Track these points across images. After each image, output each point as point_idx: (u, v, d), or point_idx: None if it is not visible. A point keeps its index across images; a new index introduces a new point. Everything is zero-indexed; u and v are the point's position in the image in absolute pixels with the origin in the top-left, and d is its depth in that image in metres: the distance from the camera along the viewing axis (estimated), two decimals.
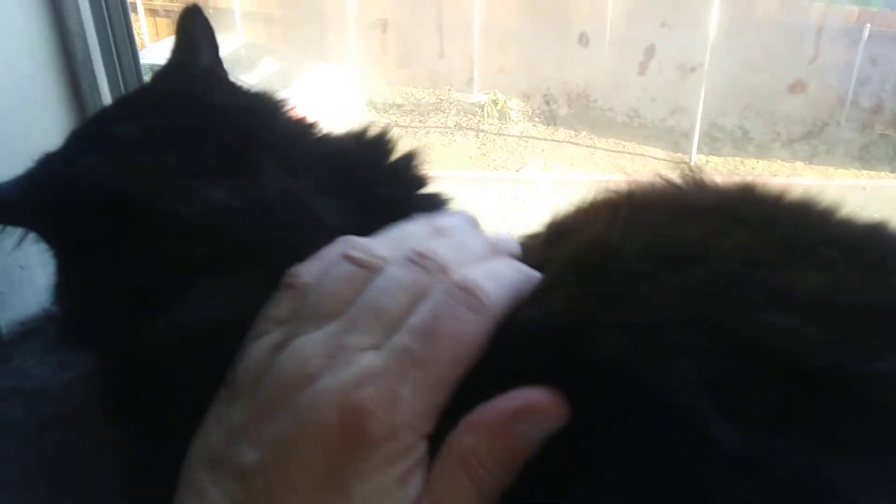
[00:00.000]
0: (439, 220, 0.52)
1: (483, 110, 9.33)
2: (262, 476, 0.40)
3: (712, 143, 8.64)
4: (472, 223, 0.54)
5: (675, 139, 8.72)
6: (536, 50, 9.12)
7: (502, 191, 8.26)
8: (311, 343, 0.43)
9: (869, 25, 8.49)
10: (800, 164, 8.43)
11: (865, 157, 8.31)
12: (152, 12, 10.48)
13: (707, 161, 8.50)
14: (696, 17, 8.69)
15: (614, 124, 9.10)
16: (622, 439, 0.37)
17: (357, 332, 0.42)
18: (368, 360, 0.41)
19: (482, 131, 9.24)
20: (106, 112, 0.63)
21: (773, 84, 8.41)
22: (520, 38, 9.17)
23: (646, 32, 8.64)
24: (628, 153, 8.74)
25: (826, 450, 0.34)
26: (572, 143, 8.98)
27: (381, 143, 0.65)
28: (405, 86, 9.74)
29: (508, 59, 9.36)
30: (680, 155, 8.56)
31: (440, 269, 0.45)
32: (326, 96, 8.74)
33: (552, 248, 0.49)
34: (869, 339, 0.36)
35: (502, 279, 0.45)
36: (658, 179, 0.49)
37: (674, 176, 0.51)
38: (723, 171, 8.38)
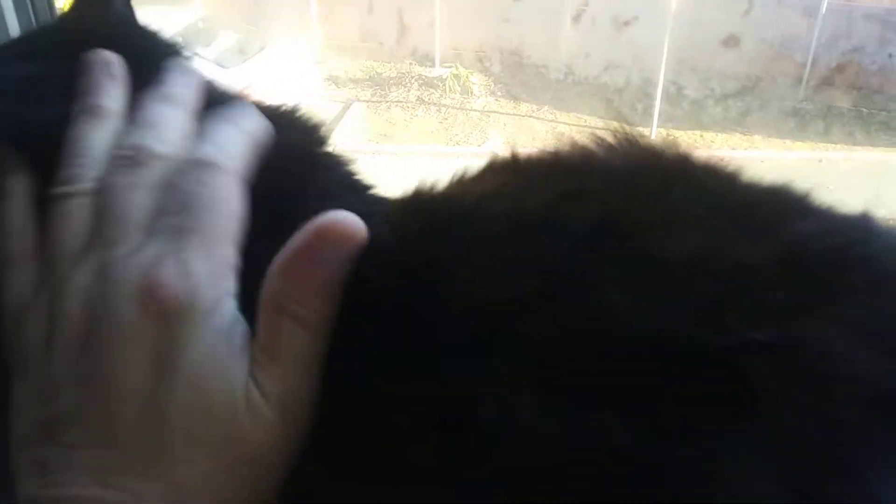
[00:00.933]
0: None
1: (445, 84, 9.28)
2: (89, 410, 0.40)
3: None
4: (195, 82, 0.54)
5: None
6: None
7: (464, 166, 8.21)
8: (77, 280, 0.42)
9: None
10: (757, 138, 8.52)
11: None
12: None
13: (667, 135, 8.55)
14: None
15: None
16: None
17: (116, 244, 0.42)
18: (142, 255, 0.41)
19: (444, 106, 9.20)
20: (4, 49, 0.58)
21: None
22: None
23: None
24: (590, 127, 8.75)
25: (666, 438, 0.33)
26: (534, 117, 8.98)
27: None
28: (366, 59, 9.63)
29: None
30: (640, 129, 8.57)
31: (153, 156, 0.45)
32: (285, 71, 8.62)
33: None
34: (734, 306, 0.36)
35: (230, 147, 0.47)
36: (587, 142, 0.47)
37: (606, 139, 0.47)
38: (681, 143, 8.41)
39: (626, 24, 8.18)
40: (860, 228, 0.42)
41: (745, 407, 0.33)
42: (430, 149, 8.54)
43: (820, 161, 8.06)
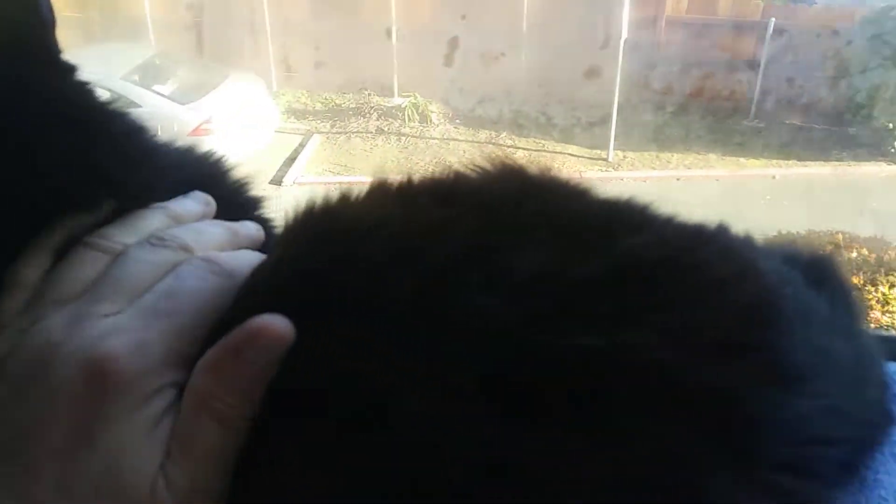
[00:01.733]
0: (174, 206, 0.54)
1: (404, 113, 9.33)
2: (13, 454, 0.41)
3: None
4: (206, 202, 0.56)
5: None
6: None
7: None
8: (55, 319, 0.44)
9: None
10: (712, 157, 8.68)
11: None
12: None
13: (624, 157, 8.68)
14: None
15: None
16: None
17: (101, 302, 0.44)
18: (113, 320, 0.43)
19: (404, 135, 9.25)
20: None
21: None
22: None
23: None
24: (548, 151, 8.86)
25: (517, 426, 0.36)
26: (493, 143, 9.06)
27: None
28: (324, 92, 9.66)
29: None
30: (598, 152, 8.72)
31: (183, 248, 0.49)
32: (243, 105, 8.61)
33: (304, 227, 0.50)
34: (570, 315, 0.38)
35: (240, 257, 0.50)
36: (469, 166, 0.50)
37: (485, 161, 0.52)
38: (639, 166, 8.58)
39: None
40: (691, 238, 0.47)
41: (583, 406, 0.37)
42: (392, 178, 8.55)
43: (678, 179, 8.32)
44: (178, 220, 0.53)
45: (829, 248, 4.97)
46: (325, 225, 0.48)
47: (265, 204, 0.64)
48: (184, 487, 0.41)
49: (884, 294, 4.67)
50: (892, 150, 8.36)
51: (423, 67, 9.00)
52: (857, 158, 8.53)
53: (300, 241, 0.48)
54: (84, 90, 0.54)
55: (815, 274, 0.53)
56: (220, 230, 0.53)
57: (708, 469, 0.38)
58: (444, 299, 0.40)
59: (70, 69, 0.54)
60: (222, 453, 0.41)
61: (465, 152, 8.94)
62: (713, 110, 9.09)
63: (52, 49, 0.52)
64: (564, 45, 9.11)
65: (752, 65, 9.03)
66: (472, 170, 0.50)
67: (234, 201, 0.61)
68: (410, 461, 0.38)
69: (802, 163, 8.54)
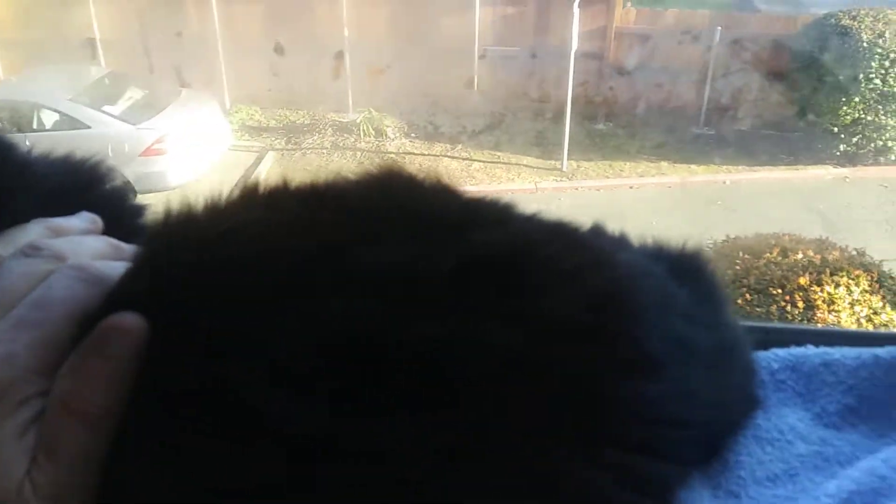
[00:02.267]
0: (56, 220, 0.54)
1: (359, 128, 9.34)
2: None
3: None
4: (91, 220, 0.56)
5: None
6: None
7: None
8: None
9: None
10: (664, 164, 8.82)
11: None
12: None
13: (578, 166, 8.78)
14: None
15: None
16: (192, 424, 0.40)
17: None
18: None
19: (360, 150, 9.25)
20: None
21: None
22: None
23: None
24: (504, 163, 8.92)
25: (349, 412, 0.37)
26: (448, 156, 9.10)
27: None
28: (278, 108, 9.63)
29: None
30: (553, 163, 8.80)
31: (56, 257, 0.48)
32: (196, 123, 8.54)
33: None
34: (412, 307, 0.40)
35: (113, 265, 0.49)
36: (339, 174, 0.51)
37: (373, 168, 0.52)
38: (594, 175, 8.68)
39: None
40: (546, 232, 0.48)
41: (421, 390, 0.38)
42: None
43: (631, 187, 8.54)
44: (58, 233, 0.53)
45: (776, 250, 5.07)
46: (187, 230, 0.48)
47: (146, 211, 0.65)
48: (50, 490, 0.41)
49: (829, 293, 4.76)
50: (838, 154, 8.57)
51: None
52: (804, 162, 8.73)
53: (161, 245, 0.48)
54: None
55: (683, 268, 0.55)
56: (101, 244, 0.53)
57: (548, 447, 0.39)
58: (296, 298, 0.41)
59: None
60: (88, 453, 0.42)
61: (421, 165, 8.96)
62: (664, 119, 9.24)
63: None
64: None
65: (700, 73, 9.20)
66: (353, 176, 0.51)
67: (111, 208, 0.61)
68: (260, 459, 0.39)
69: (752, 168, 8.72)
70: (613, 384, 0.43)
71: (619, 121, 9.30)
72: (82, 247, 0.51)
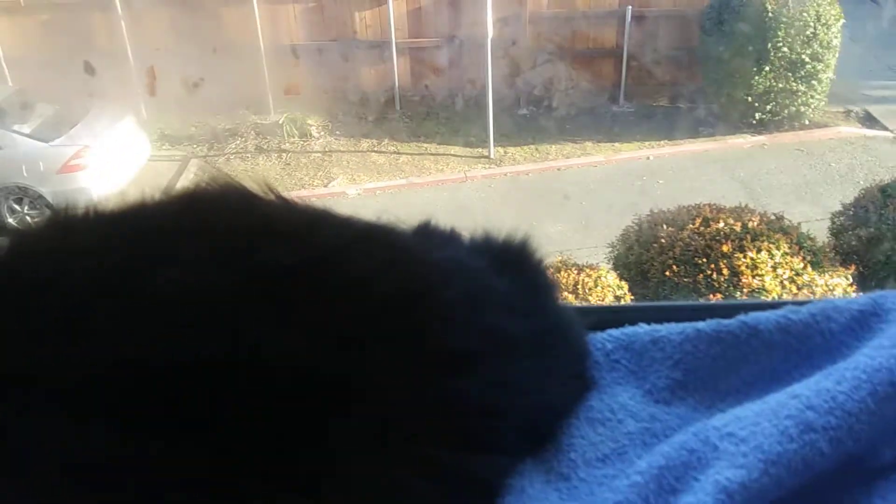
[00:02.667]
0: None
1: (283, 130, 9.22)
2: None
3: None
4: None
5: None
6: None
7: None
8: None
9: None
10: (588, 144, 8.94)
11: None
12: None
13: (505, 153, 8.84)
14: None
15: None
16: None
17: None
18: None
19: (284, 151, 9.14)
20: None
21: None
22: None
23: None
24: (431, 154, 8.93)
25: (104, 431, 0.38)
26: (375, 151, 9.06)
27: None
28: (197, 114, 9.45)
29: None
30: (479, 150, 8.84)
31: None
32: (112, 136, 8.32)
33: None
34: (185, 329, 0.39)
35: None
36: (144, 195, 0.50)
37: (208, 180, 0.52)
38: (521, 160, 8.76)
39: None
40: (345, 239, 0.48)
41: (184, 410, 0.39)
42: None
43: (559, 169, 8.68)
44: None
45: (698, 220, 5.18)
46: None
47: None
48: None
49: (752, 259, 4.88)
50: (754, 122, 8.80)
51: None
52: (723, 133, 8.94)
53: None
54: None
55: (507, 259, 0.55)
56: None
57: (351, 452, 0.40)
58: (78, 325, 0.41)
59: None
60: None
61: (348, 163, 8.91)
62: (584, 100, 9.36)
63: None
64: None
65: (616, 53, 9.34)
66: (169, 193, 0.51)
67: None
68: (42, 489, 0.39)
69: (673, 142, 8.89)
70: (420, 382, 0.43)
71: (540, 104, 9.38)
72: None
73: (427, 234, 0.54)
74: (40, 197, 7.88)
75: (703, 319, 0.61)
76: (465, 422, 0.44)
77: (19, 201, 7.92)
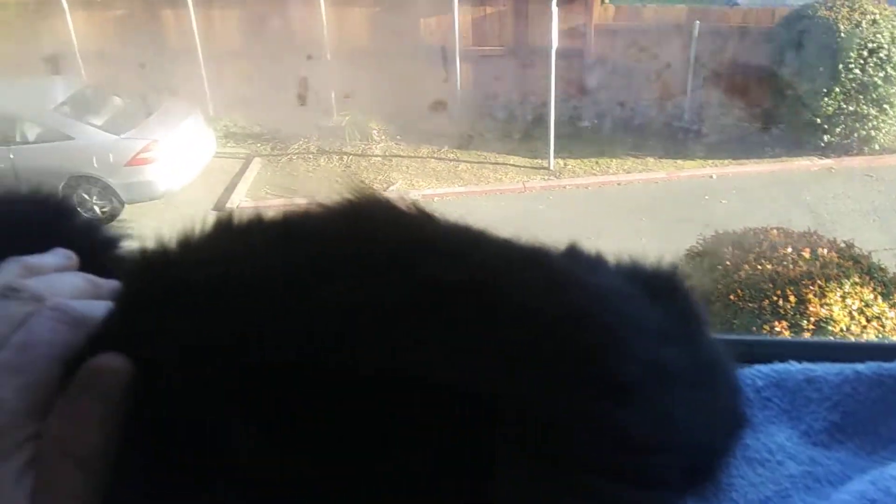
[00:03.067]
0: (30, 259, 0.54)
1: (345, 132, 9.32)
2: None
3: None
4: (67, 256, 0.56)
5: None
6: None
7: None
8: None
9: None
10: (650, 160, 8.84)
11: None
12: None
13: (565, 164, 8.80)
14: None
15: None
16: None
17: None
18: None
19: (345, 153, 9.24)
20: None
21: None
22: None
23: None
24: (491, 163, 8.93)
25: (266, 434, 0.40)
26: (435, 157, 9.10)
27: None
28: (262, 113, 9.60)
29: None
30: (539, 161, 8.82)
31: (35, 298, 0.48)
32: (179, 131, 8.51)
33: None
34: (356, 341, 0.41)
35: (93, 305, 0.49)
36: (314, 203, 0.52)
37: (350, 193, 0.52)
38: (580, 173, 8.70)
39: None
40: (512, 261, 0.47)
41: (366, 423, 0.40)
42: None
43: (619, 184, 8.55)
44: (34, 272, 0.52)
45: (766, 244, 5.09)
46: (163, 268, 0.50)
47: (121, 242, 0.64)
48: None
49: (820, 287, 4.77)
50: (822, 145, 8.61)
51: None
52: (789, 154, 8.77)
53: (139, 284, 0.50)
54: None
55: (658, 287, 0.54)
56: (78, 280, 0.53)
57: (515, 475, 0.39)
58: (258, 336, 0.42)
59: None
60: (86, 493, 0.43)
61: (408, 168, 8.96)
62: (648, 114, 9.28)
63: None
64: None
65: (681, 67, 9.23)
66: (329, 203, 0.50)
67: (84, 242, 0.60)
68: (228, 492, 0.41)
69: (738, 161, 8.75)
70: (583, 410, 0.42)
71: (603, 117, 9.31)
72: (60, 285, 0.52)
73: (576, 257, 0.53)
74: (109, 188, 8.09)
75: (861, 361, 0.60)
76: (628, 454, 0.42)
77: (89, 192, 8.12)
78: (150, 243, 0.52)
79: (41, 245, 0.57)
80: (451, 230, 0.49)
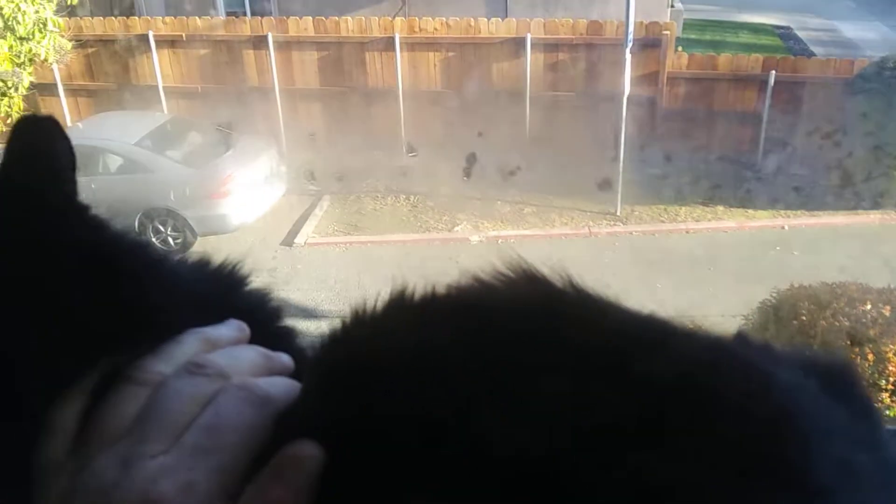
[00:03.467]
0: (209, 331, 0.55)
1: (413, 172, 9.42)
2: None
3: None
4: (240, 329, 0.57)
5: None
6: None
7: (436, 251, 8.32)
8: (103, 461, 0.45)
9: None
10: (720, 209, 8.71)
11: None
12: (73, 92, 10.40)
13: (632, 210, 8.72)
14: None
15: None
16: None
17: (147, 442, 0.46)
18: (161, 461, 0.45)
19: (413, 193, 9.33)
20: None
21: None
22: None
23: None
24: (556, 206, 8.90)
25: None
26: (501, 199, 9.11)
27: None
28: (333, 151, 9.78)
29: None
30: (606, 207, 8.76)
31: (221, 375, 0.50)
32: (254, 167, 8.71)
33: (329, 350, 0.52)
34: (590, 449, 0.41)
35: (276, 384, 0.51)
36: (487, 278, 0.51)
37: (506, 268, 0.51)
38: (647, 219, 8.61)
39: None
40: (709, 355, 0.47)
41: None
42: (402, 237, 8.61)
43: (687, 232, 8.39)
44: (214, 346, 0.54)
45: (843, 301, 4.94)
46: (350, 353, 0.50)
47: (284, 314, 0.65)
48: None
49: None
50: None
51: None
52: (864, 207, 8.54)
53: (328, 370, 0.50)
54: (100, 228, 0.56)
55: (832, 382, 0.52)
56: (254, 354, 0.55)
57: None
58: (460, 438, 0.42)
59: (84, 210, 0.56)
60: None
61: (472, 209, 8.99)
62: (718, 163, 9.16)
63: (68, 196, 0.55)
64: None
65: (755, 117, 9.12)
66: (494, 280, 0.50)
67: (254, 313, 0.62)
68: None
69: (811, 213, 8.56)
70: None
71: (672, 165, 9.23)
72: (240, 361, 0.53)
73: (747, 344, 0.52)
74: (183, 220, 8.29)
75: None
76: None
77: (164, 223, 8.34)
78: (333, 325, 0.52)
79: (216, 314, 0.58)
80: (629, 317, 0.49)
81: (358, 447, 0.44)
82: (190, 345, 0.53)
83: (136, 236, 0.59)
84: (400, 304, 0.52)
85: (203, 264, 0.63)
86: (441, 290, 0.51)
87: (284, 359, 0.56)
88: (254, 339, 0.57)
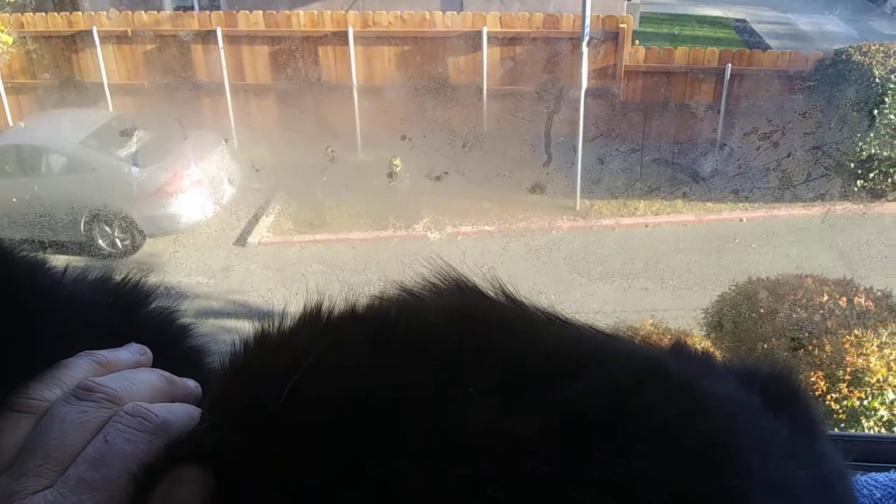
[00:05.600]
0: (103, 354, 0.52)
1: (369, 168, 9.35)
2: None
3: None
4: (141, 351, 0.54)
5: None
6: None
7: (396, 249, 8.29)
8: None
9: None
10: (678, 202, 8.77)
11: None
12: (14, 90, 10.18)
13: (591, 205, 8.74)
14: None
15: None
16: None
17: (29, 476, 0.43)
18: (44, 497, 0.42)
19: (370, 190, 9.24)
20: None
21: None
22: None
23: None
24: (516, 202, 8.89)
25: None
26: (461, 196, 9.08)
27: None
28: (287, 148, 9.68)
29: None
30: (565, 201, 8.77)
31: (111, 400, 0.47)
32: (204, 164, 8.58)
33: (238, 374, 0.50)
34: (508, 479, 0.37)
35: (174, 410, 0.48)
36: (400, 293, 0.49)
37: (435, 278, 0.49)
38: (607, 214, 8.65)
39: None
40: (639, 375, 0.43)
41: None
42: (360, 235, 8.57)
43: (646, 226, 8.42)
44: (108, 369, 0.51)
45: (801, 292, 4.97)
46: (253, 376, 0.47)
47: (194, 330, 0.63)
48: None
49: (857, 336, 4.67)
50: (856, 190, 8.48)
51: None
52: (823, 199, 8.65)
53: (228, 393, 0.48)
54: None
55: (774, 392, 0.50)
56: (153, 378, 0.52)
57: None
58: (373, 464, 0.40)
59: None
60: None
61: (432, 206, 8.94)
62: (677, 156, 9.24)
63: None
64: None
65: (712, 111, 9.20)
66: (418, 293, 0.48)
67: (159, 332, 0.59)
68: None
69: (769, 205, 8.64)
70: None
71: (630, 158, 9.27)
72: (136, 385, 0.50)
73: (686, 358, 0.49)
74: (131, 220, 8.13)
75: None
76: None
77: (111, 224, 8.18)
78: (235, 343, 0.49)
79: (116, 335, 0.55)
80: (562, 330, 0.46)
81: (250, 475, 0.42)
82: (80, 368, 0.50)
83: (28, 258, 0.56)
84: (309, 325, 0.49)
85: (103, 282, 0.61)
86: (363, 303, 0.49)
87: (189, 383, 0.54)
88: (158, 362, 0.55)
